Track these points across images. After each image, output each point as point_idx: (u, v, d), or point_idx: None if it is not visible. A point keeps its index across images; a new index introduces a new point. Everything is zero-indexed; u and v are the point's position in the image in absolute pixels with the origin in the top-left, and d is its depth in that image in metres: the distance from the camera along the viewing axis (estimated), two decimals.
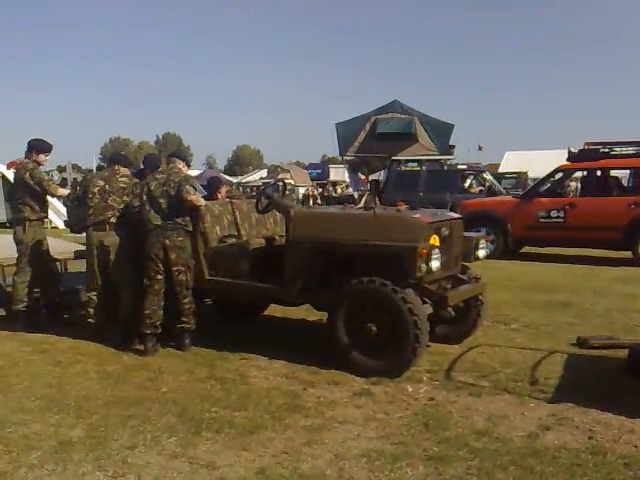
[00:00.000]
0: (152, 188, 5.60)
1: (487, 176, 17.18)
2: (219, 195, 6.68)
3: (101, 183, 5.93)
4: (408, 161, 16.81)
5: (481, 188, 16.23)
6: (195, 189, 5.76)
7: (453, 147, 17.92)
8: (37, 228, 6.44)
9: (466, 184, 15.94)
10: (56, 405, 4.36)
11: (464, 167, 17.65)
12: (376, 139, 17.00)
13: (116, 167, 6.10)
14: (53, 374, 5.05)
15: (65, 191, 6.48)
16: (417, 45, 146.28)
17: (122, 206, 5.91)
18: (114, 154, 6.81)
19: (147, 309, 5.54)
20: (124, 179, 6.01)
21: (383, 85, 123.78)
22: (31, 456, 3.58)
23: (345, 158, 19.00)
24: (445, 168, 16.92)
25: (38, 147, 6.48)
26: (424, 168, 15.89)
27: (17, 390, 4.69)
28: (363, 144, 17.36)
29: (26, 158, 6.47)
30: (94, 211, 5.88)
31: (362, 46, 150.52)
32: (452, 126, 17.36)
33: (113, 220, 5.87)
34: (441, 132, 17.16)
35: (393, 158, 16.81)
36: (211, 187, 6.80)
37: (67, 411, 4.25)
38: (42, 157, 6.53)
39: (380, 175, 18.95)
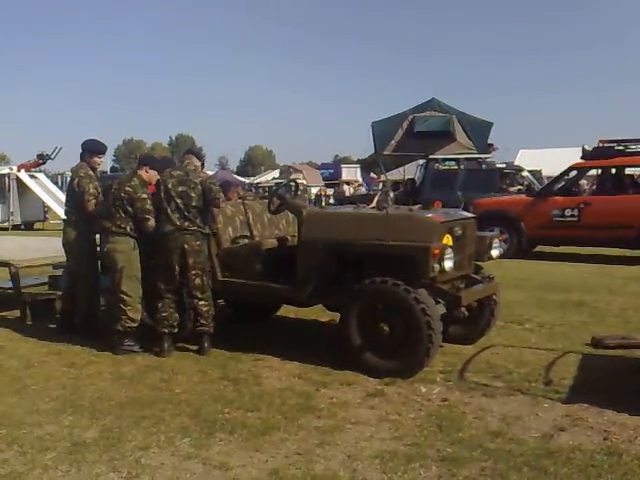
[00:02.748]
0: (169, 187, 5.51)
1: (526, 174, 16.88)
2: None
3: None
4: (445, 160, 16.59)
5: (520, 187, 15.99)
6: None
7: (491, 145, 17.57)
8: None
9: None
10: (70, 406, 4.38)
11: (502, 166, 17.44)
12: (413, 137, 16.72)
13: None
14: (67, 375, 5.08)
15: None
16: (428, 45, 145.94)
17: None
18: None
19: (164, 312, 5.54)
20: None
21: (391, 84, 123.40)
22: (46, 457, 3.60)
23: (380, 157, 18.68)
24: (483, 167, 16.76)
25: (91, 149, 6.28)
26: (462, 167, 15.71)
27: (32, 391, 4.72)
28: (400, 143, 17.08)
29: (82, 161, 6.25)
30: None
31: (370, 47, 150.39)
32: (491, 124, 16.99)
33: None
34: (479, 130, 16.79)
35: (430, 157, 16.59)
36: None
37: (81, 412, 4.27)
38: (96, 160, 6.30)
39: (416, 174, 18.59)
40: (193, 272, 5.50)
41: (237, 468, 3.44)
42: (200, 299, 5.56)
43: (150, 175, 5.79)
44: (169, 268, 5.51)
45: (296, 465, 3.46)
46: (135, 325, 5.59)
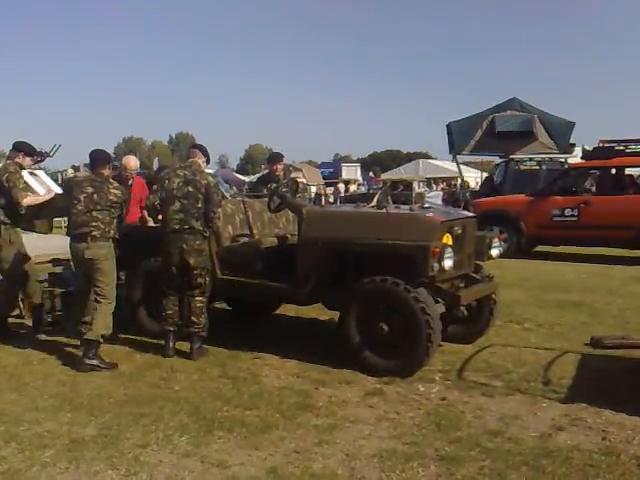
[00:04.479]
0: (174, 187, 5.41)
1: None
2: (275, 168, 7.12)
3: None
4: (526, 160, 16.13)
5: None
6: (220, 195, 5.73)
7: (574, 145, 17.30)
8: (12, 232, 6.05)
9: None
10: (69, 403, 4.39)
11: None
12: (494, 137, 16.47)
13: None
14: (66, 373, 5.08)
15: (33, 199, 6.03)
16: (427, 41, 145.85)
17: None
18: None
19: (169, 310, 5.52)
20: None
21: (387, 84, 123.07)
22: (44, 454, 3.60)
23: (457, 157, 18.38)
24: (565, 167, 16.60)
25: (26, 150, 6.16)
26: (543, 167, 15.46)
27: (31, 389, 4.72)
28: (479, 143, 16.85)
29: (8, 159, 6.15)
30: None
31: (369, 44, 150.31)
32: (573, 124, 16.62)
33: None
34: (561, 130, 16.45)
35: (511, 157, 16.40)
36: (270, 161, 7.27)
37: (80, 409, 4.27)
38: (28, 161, 6.24)
39: (494, 173, 18.34)
40: (195, 272, 5.45)
41: (236, 466, 3.44)
42: (196, 296, 5.50)
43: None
44: (169, 269, 5.49)
45: (294, 463, 3.46)
46: (108, 334, 5.34)
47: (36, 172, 25.17)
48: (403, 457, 3.51)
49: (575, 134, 16.78)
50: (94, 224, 5.27)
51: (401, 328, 4.79)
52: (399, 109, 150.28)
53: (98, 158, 5.48)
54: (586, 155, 11.95)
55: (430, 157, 57.86)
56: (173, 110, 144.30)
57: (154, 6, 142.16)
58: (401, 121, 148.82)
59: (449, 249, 4.87)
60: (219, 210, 5.62)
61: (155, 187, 5.64)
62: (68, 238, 5.48)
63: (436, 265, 4.74)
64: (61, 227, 7.92)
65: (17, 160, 6.13)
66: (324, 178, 35.78)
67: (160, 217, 5.62)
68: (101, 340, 5.26)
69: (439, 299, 5.04)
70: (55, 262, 7.02)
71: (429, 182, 36.01)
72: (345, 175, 36.74)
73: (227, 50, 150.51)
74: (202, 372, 5.03)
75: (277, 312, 7.01)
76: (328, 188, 31.82)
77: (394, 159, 71.41)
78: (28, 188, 6.23)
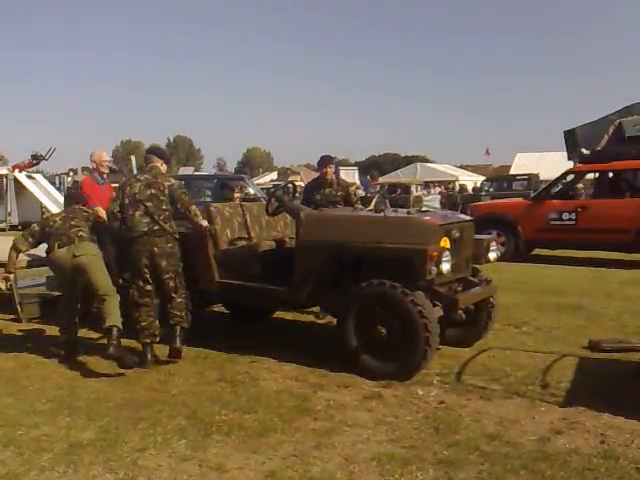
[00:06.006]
0: (136, 191, 5.31)
1: None
2: (325, 171, 6.93)
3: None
4: None
5: None
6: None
7: None
8: None
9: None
10: (67, 407, 4.38)
11: None
12: (622, 143, 16.21)
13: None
14: (64, 376, 5.08)
15: None
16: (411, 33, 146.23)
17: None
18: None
19: (143, 321, 5.34)
20: None
21: (382, 82, 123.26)
22: (42, 458, 3.60)
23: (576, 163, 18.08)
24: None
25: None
26: None
27: (28, 392, 4.72)
28: (605, 148, 16.62)
29: None
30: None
31: (364, 45, 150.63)
32: None
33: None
34: None
35: None
36: (320, 164, 7.07)
37: (78, 413, 4.27)
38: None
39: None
40: (166, 276, 5.32)
41: (234, 470, 3.44)
42: (174, 297, 5.37)
43: None
44: (140, 274, 5.33)
45: (293, 467, 3.46)
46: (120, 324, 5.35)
47: (34, 175, 25.16)
48: (402, 461, 3.51)
49: None
50: (77, 228, 5.53)
51: (399, 331, 4.79)
52: (397, 112, 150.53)
53: (73, 195, 6.19)
54: (584, 159, 11.96)
55: (428, 161, 58.06)
56: (171, 113, 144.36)
57: (151, 9, 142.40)
58: (399, 125, 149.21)
59: (447, 252, 4.88)
60: (194, 207, 5.41)
61: (114, 195, 5.55)
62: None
63: (434, 268, 4.75)
64: None
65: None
66: None
67: (120, 224, 5.46)
68: (120, 327, 5.20)
69: (437, 302, 5.04)
70: None
71: (427, 185, 36.10)
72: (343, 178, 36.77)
73: (225, 53, 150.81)
74: (200, 376, 5.03)
75: (275, 315, 7.01)
76: None
77: (392, 162, 71.59)
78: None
